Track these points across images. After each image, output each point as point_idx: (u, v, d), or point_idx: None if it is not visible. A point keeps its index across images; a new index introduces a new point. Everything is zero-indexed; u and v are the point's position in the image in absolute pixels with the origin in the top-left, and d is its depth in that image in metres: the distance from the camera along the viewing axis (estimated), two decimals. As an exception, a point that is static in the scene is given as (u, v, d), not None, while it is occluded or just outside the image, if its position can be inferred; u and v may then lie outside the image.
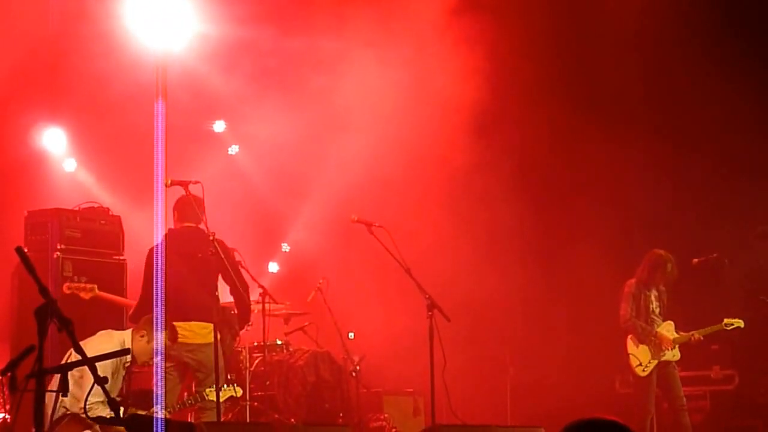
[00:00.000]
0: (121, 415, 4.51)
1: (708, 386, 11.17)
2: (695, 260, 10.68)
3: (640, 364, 10.00)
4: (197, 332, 8.17)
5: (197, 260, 8.10)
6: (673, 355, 10.08)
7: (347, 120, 11.72)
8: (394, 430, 10.29)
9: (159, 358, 7.62)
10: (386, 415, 10.43)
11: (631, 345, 10.09)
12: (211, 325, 7.88)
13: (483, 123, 11.74)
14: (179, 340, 7.91)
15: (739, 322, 9.99)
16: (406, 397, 10.92)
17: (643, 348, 10.04)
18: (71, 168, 11.56)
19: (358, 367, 9.87)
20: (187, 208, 8.24)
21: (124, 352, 4.71)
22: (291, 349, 10.17)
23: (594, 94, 11.95)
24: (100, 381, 4.52)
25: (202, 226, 8.11)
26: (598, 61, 11.77)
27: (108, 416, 5.67)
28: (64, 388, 4.44)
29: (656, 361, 9.99)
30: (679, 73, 11.68)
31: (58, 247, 8.85)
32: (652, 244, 10.42)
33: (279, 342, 10.20)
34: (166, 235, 8.28)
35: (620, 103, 11.89)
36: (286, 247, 12.48)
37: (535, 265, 12.06)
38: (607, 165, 11.97)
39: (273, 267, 12.44)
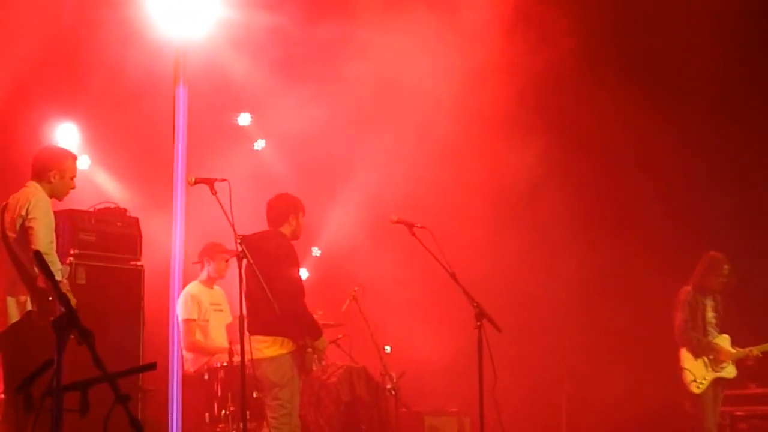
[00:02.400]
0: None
1: (744, 406, 10.99)
2: None
3: (695, 380, 9.96)
4: (255, 347, 8.12)
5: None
6: (729, 372, 10.04)
7: (384, 113, 11.74)
8: (437, 453, 10.29)
9: None
10: None
11: (685, 358, 10.04)
12: (272, 338, 7.99)
13: (529, 115, 11.73)
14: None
15: None
16: (450, 417, 10.88)
17: (700, 362, 9.99)
18: (85, 166, 11.58)
19: (397, 384, 9.84)
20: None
21: (151, 366, 4.64)
22: (323, 365, 10.01)
23: (655, 83, 11.86)
24: (122, 399, 4.45)
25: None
26: (661, 46, 11.68)
27: None
28: (84, 408, 4.37)
29: (712, 377, 9.95)
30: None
31: (71, 252, 8.81)
32: (715, 245, 10.35)
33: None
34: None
35: (684, 93, 11.80)
36: (316, 252, 12.49)
37: (591, 270, 12.00)
38: (667, 157, 11.88)
39: (303, 273, 12.36)
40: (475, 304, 8.00)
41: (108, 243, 9.12)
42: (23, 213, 7.55)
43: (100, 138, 11.52)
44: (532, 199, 11.88)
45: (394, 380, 9.83)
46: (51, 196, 7.85)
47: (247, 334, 7.66)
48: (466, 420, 10.67)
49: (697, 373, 9.97)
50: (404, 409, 10.21)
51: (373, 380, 10.05)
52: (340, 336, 10.38)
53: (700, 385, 9.94)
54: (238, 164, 11.25)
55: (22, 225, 7.53)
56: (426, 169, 11.62)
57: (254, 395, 8.78)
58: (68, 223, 8.85)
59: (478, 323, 7.93)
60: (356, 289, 10.34)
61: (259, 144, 12.45)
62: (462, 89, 11.41)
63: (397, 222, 8.43)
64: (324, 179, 12.28)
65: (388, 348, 10.45)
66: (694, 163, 11.97)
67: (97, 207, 9.39)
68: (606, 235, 12.10)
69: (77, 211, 9.13)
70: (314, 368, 8.55)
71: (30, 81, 10.21)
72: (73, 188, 8.02)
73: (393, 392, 9.83)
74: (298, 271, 8.47)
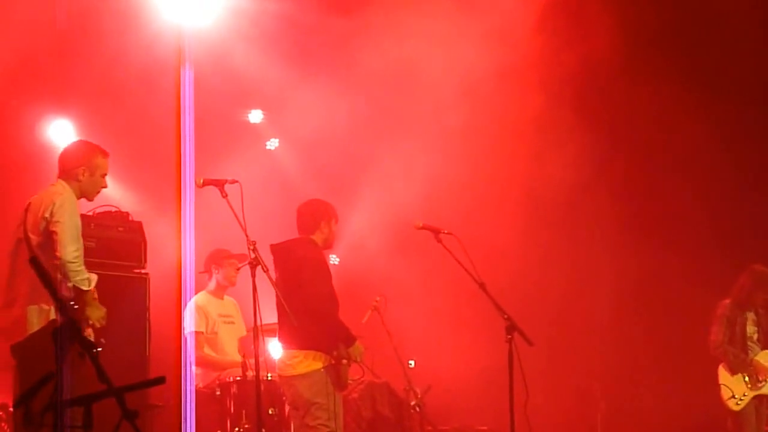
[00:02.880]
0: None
1: None
2: None
3: (733, 397, 10.10)
4: (286, 363, 8.23)
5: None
6: None
7: (407, 109, 11.75)
8: (464, 475, 10.26)
9: None
10: None
11: (723, 374, 10.22)
12: (303, 353, 8.04)
13: (564, 113, 11.72)
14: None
15: None
16: (478, 436, 10.85)
17: (738, 378, 10.15)
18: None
19: (422, 401, 9.80)
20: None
21: (159, 381, 4.65)
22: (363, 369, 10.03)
23: (698, 81, 11.84)
24: (129, 415, 4.47)
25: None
26: (704, 42, 11.66)
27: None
28: (87, 424, 4.40)
29: (753, 394, 10.09)
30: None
31: (70, 259, 8.82)
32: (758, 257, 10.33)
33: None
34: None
35: (729, 93, 11.78)
36: (334, 260, 12.46)
37: (628, 281, 12.01)
38: (710, 161, 11.87)
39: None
40: (505, 317, 8.01)
41: (109, 249, 9.11)
42: (47, 215, 7.37)
43: (97, 135, 11.22)
44: (566, 203, 11.86)
45: (419, 396, 9.79)
46: (80, 197, 7.72)
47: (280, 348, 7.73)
48: (497, 439, 10.65)
49: (735, 389, 10.14)
50: (430, 428, 10.13)
51: (397, 396, 10.03)
52: (360, 349, 10.41)
53: (740, 402, 10.10)
54: (249, 165, 11.24)
55: (46, 228, 7.37)
56: (452, 171, 11.59)
57: (270, 412, 8.82)
58: (66, 227, 8.86)
59: (509, 336, 7.94)
60: (378, 299, 10.29)
61: (272, 143, 12.42)
62: (492, 85, 11.37)
63: (422, 228, 8.47)
64: (342, 181, 12.22)
65: (412, 362, 10.46)
66: (739, 168, 11.95)
67: (97, 211, 9.35)
68: (644, 243, 12.07)
69: (76, 215, 9.14)
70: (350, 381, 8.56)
71: (22, 74, 10.22)
72: (105, 187, 7.89)
73: (417, 409, 9.79)
74: (330, 280, 8.47)
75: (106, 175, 7.89)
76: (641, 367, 11.67)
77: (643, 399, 11.49)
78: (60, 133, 11.36)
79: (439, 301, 11.50)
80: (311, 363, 8.15)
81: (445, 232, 8.37)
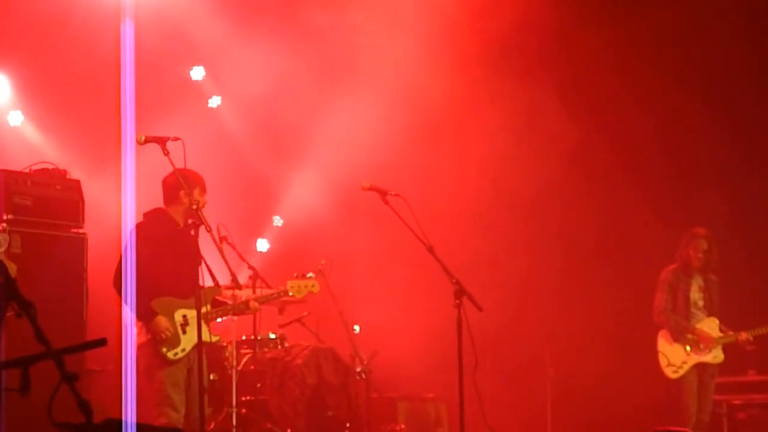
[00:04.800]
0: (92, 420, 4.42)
1: (742, 394, 11.05)
2: None
3: (671, 365, 10.15)
4: None
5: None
6: (713, 357, 10.21)
7: (354, 67, 11.69)
8: (412, 443, 10.28)
9: None
10: (402, 426, 10.41)
11: (662, 342, 10.28)
12: (139, 324, 8.12)
13: (523, 63, 11.71)
14: None
15: None
16: (426, 403, 10.89)
17: (677, 346, 10.18)
18: (17, 122, 11.50)
19: (368, 367, 9.81)
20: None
21: (100, 342, 4.63)
22: (287, 345, 10.12)
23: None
24: (69, 378, 4.43)
25: None
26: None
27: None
28: (25, 386, 4.36)
29: (693, 362, 10.14)
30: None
31: (4, 217, 8.76)
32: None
33: (272, 336, 10.16)
34: None
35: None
36: (278, 221, 12.44)
37: (580, 245, 12.03)
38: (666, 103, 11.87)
39: (263, 245, 12.42)
40: (454, 281, 8.02)
41: (46, 208, 9.06)
42: None
43: (34, 91, 11.41)
44: (521, 171, 11.84)
45: (365, 362, 9.80)
46: None
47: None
48: (444, 407, 10.70)
49: (673, 357, 10.17)
50: (376, 395, 10.20)
51: (342, 362, 10.05)
52: (305, 314, 10.42)
53: (678, 370, 10.14)
54: (191, 123, 11.13)
55: None
56: (403, 132, 11.55)
57: (211, 377, 8.83)
58: (0, 184, 8.80)
59: (458, 301, 7.96)
60: (323, 262, 10.18)
61: (215, 101, 12.33)
62: (443, 42, 11.36)
63: (369, 189, 8.42)
64: (287, 141, 12.21)
65: (357, 327, 10.39)
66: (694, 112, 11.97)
67: (33, 168, 9.31)
68: (603, 211, 12.10)
69: (10, 172, 9.06)
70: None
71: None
72: None
73: (363, 376, 9.81)
74: (138, 255, 8.22)
75: None
76: (595, 333, 11.71)
77: (591, 365, 11.53)
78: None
79: (386, 266, 11.48)
80: (139, 335, 8.19)
81: (393, 193, 8.34)
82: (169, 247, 8.20)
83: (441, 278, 8.12)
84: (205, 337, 7.82)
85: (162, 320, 8.14)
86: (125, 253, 8.07)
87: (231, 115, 12.38)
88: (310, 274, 9.74)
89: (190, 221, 7.88)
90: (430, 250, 8.13)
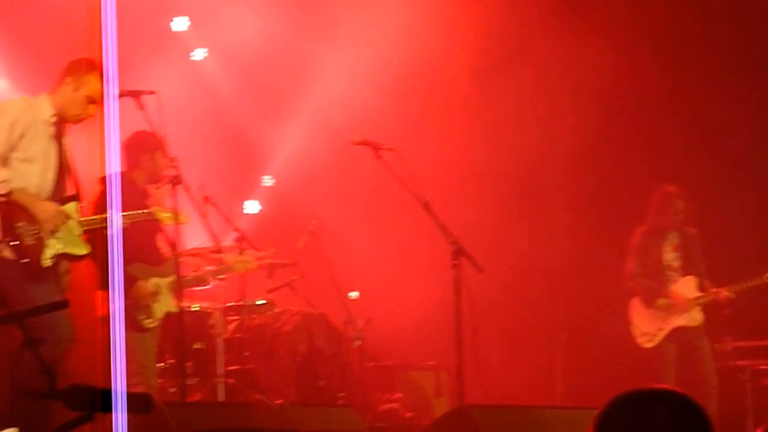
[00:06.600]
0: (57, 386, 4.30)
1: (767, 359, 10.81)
2: None
3: (645, 333, 9.98)
4: None
5: None
6: (690, 319, 9.98)
7: (346, 17, 11.63)
8: (409, 414, 10.20)
9: None
10: (399, 395, 10.40)
11: (634, 309, 10.08)
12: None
13: (523, 22, 11.63)
14: None
15: None
16: (424, 372, 10.90)
17: (649, 313, 10.01)
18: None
19: (362, 335, 9.85)
20: None
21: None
22: (276, 311, 10.06)
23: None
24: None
25: None
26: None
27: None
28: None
29: (669, 328, 9.93)
30: None
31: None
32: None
33: (261, 301, 10.06)
34: None
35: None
36: (268, 181, 12.37)
37: (587, 209, 11.95)
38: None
39: (252, 206, 12.32)
40: (452, 240, 7.98)
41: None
42: None
43: (12, 43, 11.23)
44: (525, 127, 11.78)
45: (360, 329, 9.85)
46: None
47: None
48: (443, 375, 10.64)
49: (646, 326, 9.99)
50: (371, 363, 10.26)
51: (335, 329, 10.11)
52: (295, 278, 10.32)
53: (654, 338, 9.96)
54: (174, 76, 11.06)
55: None
56: (399, 84, 11.48)
57: (194, 346, 8.88)
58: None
59: (455, 262, 7.92)
60: (314, 223, 10.33)
61: (199, 54, 12.19)
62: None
63: (360, 143, 8.45)
64: (276, 96, 12.12)
65: (354, 294, 10.52)
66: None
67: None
68: (610, 169, 12.00)
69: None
70: None
71: None
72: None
73: (358, 343, 9.87)
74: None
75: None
76: (609, 296, 11.58)
77: (609, 331, 11.40)
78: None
79: (381, 226, 11.48)
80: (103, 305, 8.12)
81: (386, 148, 8.34)
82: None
83: (440, 240, 8.06)
84: (172, 307, 8.08)
85: (143, 285, 8.25)
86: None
87: (217, 69, 12.31)
88: None
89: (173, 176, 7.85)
90: (426, 206, 8.11)
